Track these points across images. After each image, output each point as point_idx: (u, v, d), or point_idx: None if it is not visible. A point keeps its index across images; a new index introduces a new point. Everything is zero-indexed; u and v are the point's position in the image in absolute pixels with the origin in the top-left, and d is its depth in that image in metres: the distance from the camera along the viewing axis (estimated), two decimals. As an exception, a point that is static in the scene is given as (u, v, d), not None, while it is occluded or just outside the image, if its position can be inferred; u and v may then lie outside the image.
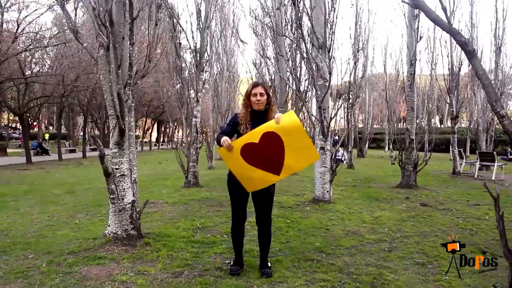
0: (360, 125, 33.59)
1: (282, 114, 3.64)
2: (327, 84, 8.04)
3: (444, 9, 2.29)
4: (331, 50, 8.06)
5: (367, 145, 31.38)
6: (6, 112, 44.87)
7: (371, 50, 65.24)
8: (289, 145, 3.58)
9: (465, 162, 16.10)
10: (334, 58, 8.29)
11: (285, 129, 3.57)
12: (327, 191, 8.14)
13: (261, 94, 3.75)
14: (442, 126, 49.65)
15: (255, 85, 3.82)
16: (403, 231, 5.77)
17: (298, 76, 12.91)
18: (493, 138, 19.44)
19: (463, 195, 9.32)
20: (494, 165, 13.75)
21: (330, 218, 6.67)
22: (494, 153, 14.57)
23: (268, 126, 3.59)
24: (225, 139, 3.55)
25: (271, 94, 3.90)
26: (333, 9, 7.93)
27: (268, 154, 3.59)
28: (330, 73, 8.02)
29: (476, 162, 14.78)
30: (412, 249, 4.86)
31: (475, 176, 14.08)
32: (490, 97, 2.11)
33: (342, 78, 9.48)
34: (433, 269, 4.12)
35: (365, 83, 26.86)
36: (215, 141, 3.76)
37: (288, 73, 14.08)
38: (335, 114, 8.61)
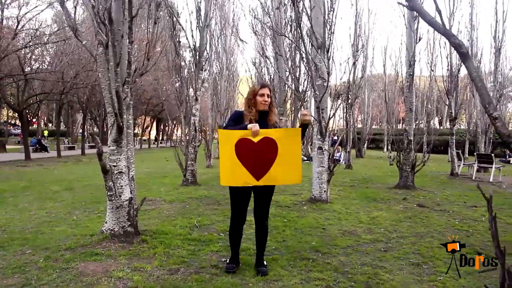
0: (359, 126, 33.61)
1: (289, 128, 3.75)
2: (325, 84, 8.07)
3: (439, 12, 2.31)
4: (330, 51, 8.08)
5: (365, 146, 31.42)
6: (5, 108, 44.84)
7: (371, 50, 65.19)
8: (281, 158, 3.68)
9: (463, 164, 16.14)
10: (333, 58, 8.32)
11: (286, 142, 3.68)
12: (325, 191, 8.17)
13: (267, 95, 3.84)
14: (441, 127, 49.75)
15: (263, 85, 3.90)
16: (399, 232, 5.80)
17: (297, 76, 12.93)
18: (491, 140, 19.50)
19: (460, 197, 9.35)
20: (492, 167, 13.79)
21: (327, 217, 6.69)
22: (492, 155, 14.60)
23: (271, 132, 3.69)
24: (255, 124, 3.61)
25: (272, 96, 3.97)
26: (332, 9, 7.95)
27: (259, 157, 3.65)
28: (328, 73, 8.05)
29: (474, 164, 14.82)
30: (408, 249, 4.89)
31: (473, 178, 14.12)
32: (483, 99, 2.14)
33: (341, 79, 9.53)
34: (428, 270, 4.14)
35: (364, 84, 26.89)
36: (221, 129, 3.78)
37: (287, 73, 14.10)
38: (333, 114, 8.64)
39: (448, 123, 19.33)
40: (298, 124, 19.75)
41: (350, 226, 6.13)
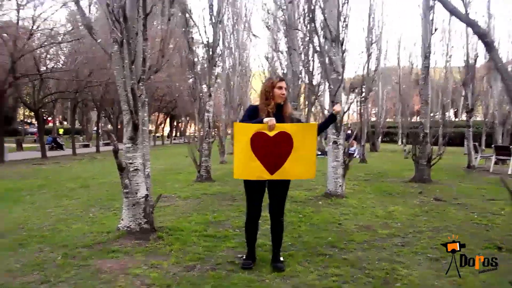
0: (373, 119, 33.32)
1: (305, 123, 3.78)
2: (340, 77, 7.99)
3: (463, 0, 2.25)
4: (344, 44, 8.00)
5: (380, 139, 31.16)
6: (21, 107, 45.55)
7: (385, 43, 64.53)
8: (296, 152, 3.69)
9: (480, 156, 15.87)
10: (347, 51, 8.23)
11: (301, 137, 3.69)
12: (340, 186, 8.11)
13: (285, 89, 3.86)
14: (457, 119, 49.05)
15: (281, 79, 3.93)
16: (417, 226, 5.72)
17: (311, 70, 12.82)
18: (509, 132, 19.14)
19: (478, 190, 9.20)
20: (510, 159, 13.54)
21: (343, 212, 6.65)
22: (511, 147, 14.33)
23: (287, 126, 3.69)
24: (271, 118, 3.61)
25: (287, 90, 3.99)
26: (346, 2, 7.86)
27: (274, 151, 3.66)
28: (343, 67, 7.98)
29: (492, 156, 14.57)
30: (426, 244, 4.82)
31: (491, 170, 13.88)
32: (509, 90, 2.07)
33: (355, 72, 9.44)
34: (447, 265, 4.06)
35: (378, 76, 26.62)
36: (236, 123, 3.83)
37: (301, 67, 14.01)
38: (348, 108, 8.56)
39: (464, 115, 19.02)
40: (312, 119, 19.70)
41: (366, 220, 6.07)
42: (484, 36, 2.13)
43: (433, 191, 9.02)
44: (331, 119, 4.18)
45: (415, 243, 4.85)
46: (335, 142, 8.12)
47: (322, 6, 7.85)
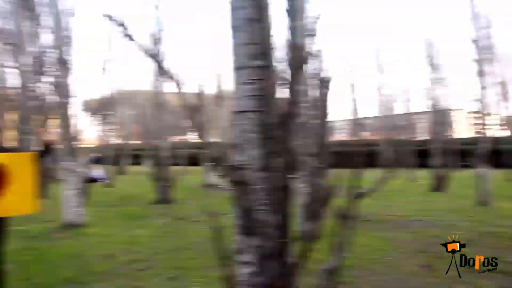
0: (120, 141, 32.92)
1: (20, 153, 3.36)
2: (68, 100, 7.78)
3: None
4: (70, 66, 7.93)
5: (127, 162, 30.88)
6: None
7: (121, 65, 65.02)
8: (13, 185, 3.23)
9: (215, 175, 17.56)
10: (75, 73, 8.23)
11: (18, 168, 3.26)
12: (80, 214, 7.71)
13: None
14: (196, 141, 53.04)
15: None
16: (158, 248, 5.91)
17: (35, 92, 11.93)
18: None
19: (215, 206, 10.09)
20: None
21: (84, 243, 6.34)
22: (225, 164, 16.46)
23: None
24: None
25: None
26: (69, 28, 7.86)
27: None
28: (72, 90, 7.87)
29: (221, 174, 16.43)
30: (166, 264, 5.03)
31: (222, 187, 15.56)
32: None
33: (93, 95, 9.31)
34: (184, 282, 4.34)
35: (121, 100, 26.63)
36: None
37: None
38: (85, 131, 8.35)
39: (200, 137, 20.81)
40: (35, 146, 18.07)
41: (109, 249, 5.92)
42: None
43: (175, 211, 9.50)
44: (45, 150, 3.67)
45: (155, 266, 5.00)
46: (70, 169, 7.69)
47: (49, 27, 7.62)
